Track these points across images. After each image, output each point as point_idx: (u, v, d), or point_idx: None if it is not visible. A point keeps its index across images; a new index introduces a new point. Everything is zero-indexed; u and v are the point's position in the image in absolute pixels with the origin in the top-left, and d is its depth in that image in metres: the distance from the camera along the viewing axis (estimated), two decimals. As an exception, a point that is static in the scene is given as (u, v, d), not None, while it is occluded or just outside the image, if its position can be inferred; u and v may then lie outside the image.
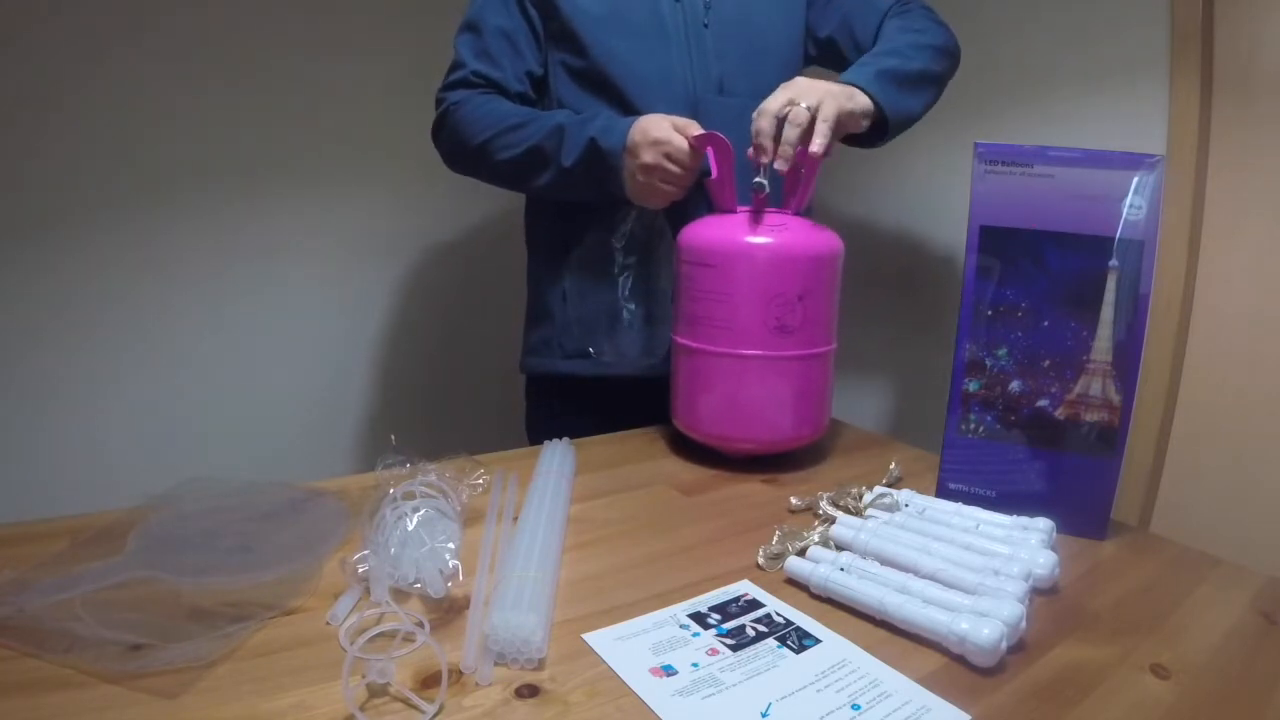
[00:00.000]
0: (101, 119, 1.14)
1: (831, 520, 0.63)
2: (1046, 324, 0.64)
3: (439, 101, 0.92)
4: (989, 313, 0.66)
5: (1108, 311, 0.62)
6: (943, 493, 0.70)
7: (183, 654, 0.43)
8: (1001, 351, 0.66)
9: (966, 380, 0.68)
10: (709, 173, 0.78)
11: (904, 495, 0.67)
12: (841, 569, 0.54)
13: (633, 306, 0.91)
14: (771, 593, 0.54)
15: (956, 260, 0.67)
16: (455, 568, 0.50)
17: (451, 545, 0.50)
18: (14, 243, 1.11)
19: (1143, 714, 0.43)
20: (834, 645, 0.48)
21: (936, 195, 1.35)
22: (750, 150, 0.75)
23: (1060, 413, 0.65)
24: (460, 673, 0.43)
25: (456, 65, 0.92)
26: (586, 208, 0.90)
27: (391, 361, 1.50)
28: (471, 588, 0.51)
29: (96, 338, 1.19)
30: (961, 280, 0.67)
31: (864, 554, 0.57)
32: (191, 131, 1.21)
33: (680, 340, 0.79)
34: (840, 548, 0.59)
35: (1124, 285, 0.62)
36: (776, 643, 0.48)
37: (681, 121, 0.79)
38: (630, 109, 0.87)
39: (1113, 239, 0.61)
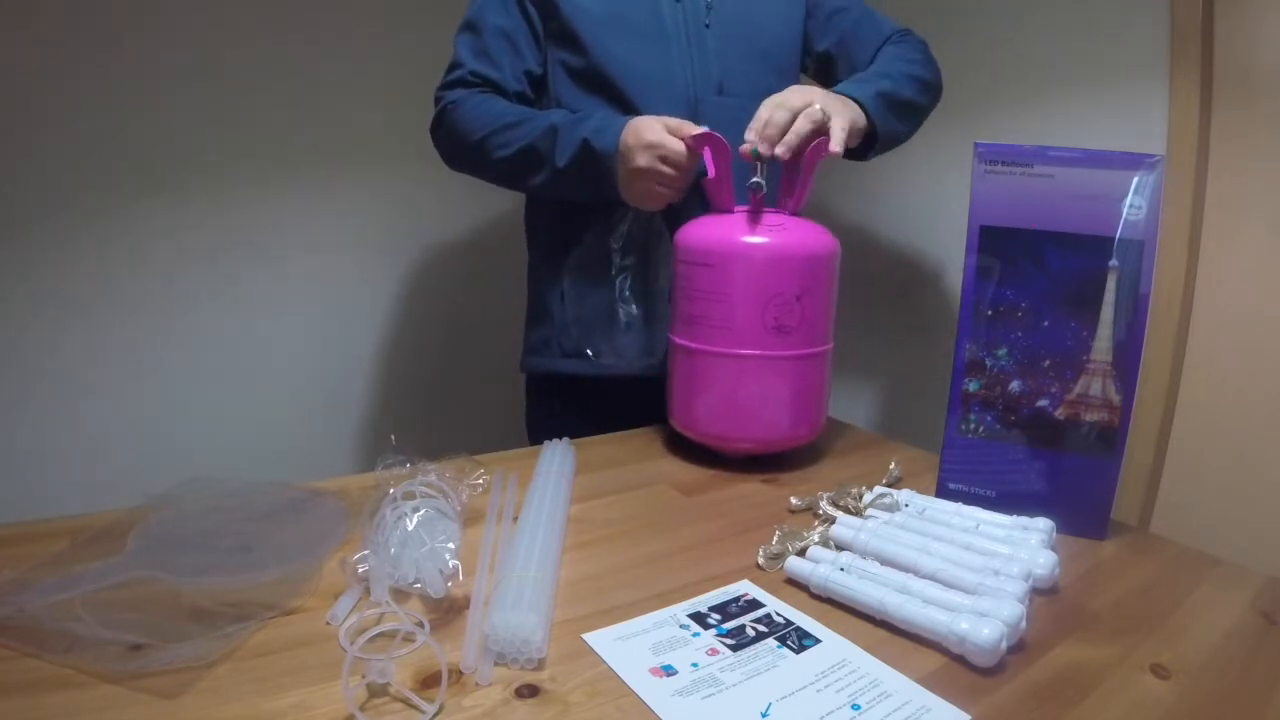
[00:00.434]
0: (101, 118, 1.14)
1: (831, 520, 0.63)
2: (1046, 324, 0.64)
3: (437, 100, 0.93)
4: (989, 313, 0.66)
5: (1108, 311, 0.62)
6: (943, 493, 0.70)
7: (183, 654, 0.43)
8: (1001, 351, 0.66)
9: (966, 380, 0.68)
10: (706, 172, 0.78)
11: (904, 495, 0.67)
12: (841, 569, 0.54)
13: (631, 308, 0.91)
14: (771, 593, 0.54)
15: (956, 260, 0.67)
16: (455, 568, 0.50)
17: (451, 545, 0.50)
18: (14, 242, 1.11)
19: (1143, 714, 0.43)
20: (834, 645, 0.48)
21: (936, 195, 1.35)
22: (751, 134, 0.74)
23: (1060, 413, 0.65)
24: (460, 673, 0.43)
25: (455, 65, 0.92)
26: (585, 208, 0.90)
27: (391, 361, 1.50)
28: (471, 588, 0.51)
29: (96, 337, 1.19)
30: (961, 280, 0.67)
31: (864, 554, 0.57)
32: (191, 130, 1.21)
33: (678, 340, 0.79)
34: (840, 548, 0.59)
35: (1124, 285, 0.62)
36: (776, 643, 0.48)
37: (675, 123, 0.78)
38: (629, 109, 0.87)
39: (1113, 239, 0.61)
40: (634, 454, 0.83)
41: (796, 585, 0.55)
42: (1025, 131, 1.19)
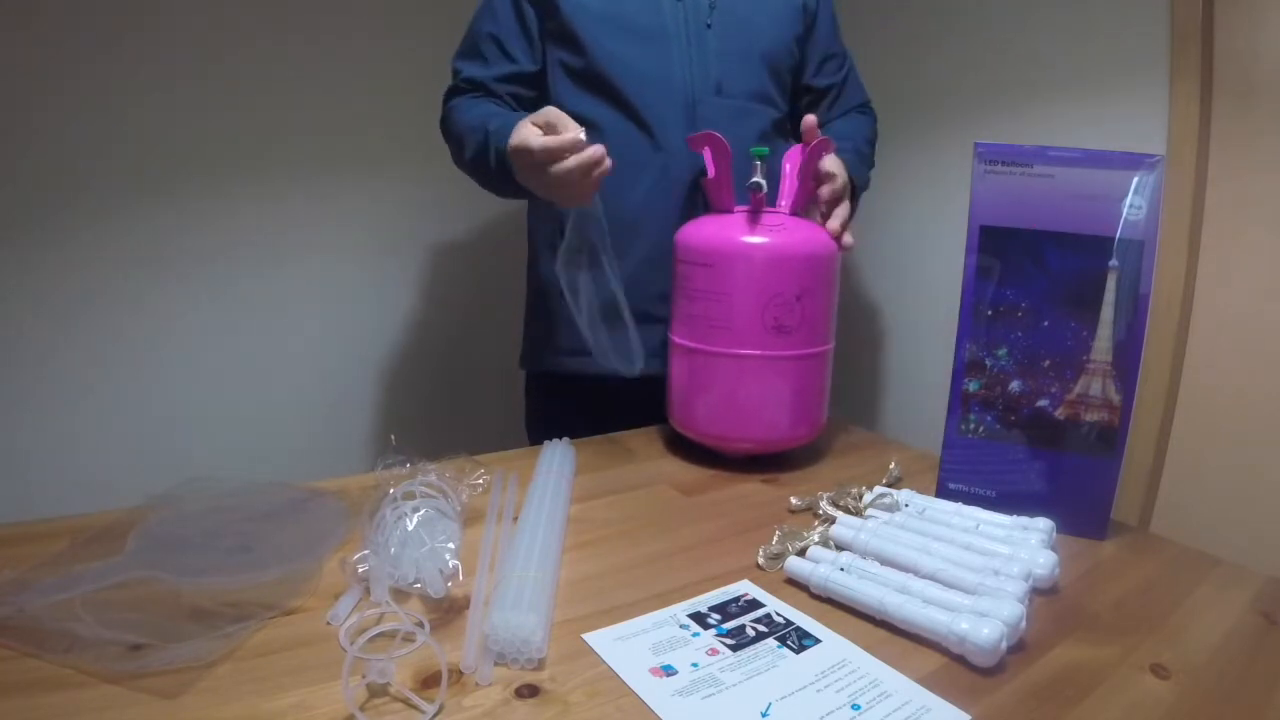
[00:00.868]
0: (101, 118, 1.14)
1: (831, 520, 0.63)
2: (1046, 324, 0.64)
3: (441, 107, 0.94)
4: (989, 313, 0.66)
5: (1108, 311, 0.62)
6: (943, 493, 0.70)
7: (183, 654, 0.43)
8: (1001, 351, 0.66)
9: (966, 380, 0.68)
10: (705, 172, 0.78)
11: (904, 495, 0.67)
12: (841, 569, 0.54)
13: (596, 313, 0.87)
14: (771, 593, 0.54)
15: (956, 260, 0.67)
16: (455, 568, 0.50)
17: (451, 545, 0.50)
18: (14, 242, 1.11)
19: (1143, 714, 0.43)
20: (834, 645, 0.48)
21: (936, 195, 1.35)
22: (848, 237, 0.81)
23: (1060, 413, 0.65)
24: (460, 673, 0.43)
25: (453, 71, 0.93)
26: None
27: (392, 361, 1.50)
28: (471, 588, 0.51)
29: (96, 337, 1.19)
30: (961, 280, 0.67)
31: (864, 554, 0.57)
32: (192, 130, 1.21)
33: (677, 340, 0.79)
34: (840, 548, 0.59)
35: (1124, 285, 0.62)
36: (776, 643, 0.48)
37: (544, 118, 0.71)
38: (627, 108, 0.87)
39: (1113, 239, 0.61)
40: (634, 454, 0.83)
41: (796, 585, 0.55)
42: (1025, 131, 1.19)
